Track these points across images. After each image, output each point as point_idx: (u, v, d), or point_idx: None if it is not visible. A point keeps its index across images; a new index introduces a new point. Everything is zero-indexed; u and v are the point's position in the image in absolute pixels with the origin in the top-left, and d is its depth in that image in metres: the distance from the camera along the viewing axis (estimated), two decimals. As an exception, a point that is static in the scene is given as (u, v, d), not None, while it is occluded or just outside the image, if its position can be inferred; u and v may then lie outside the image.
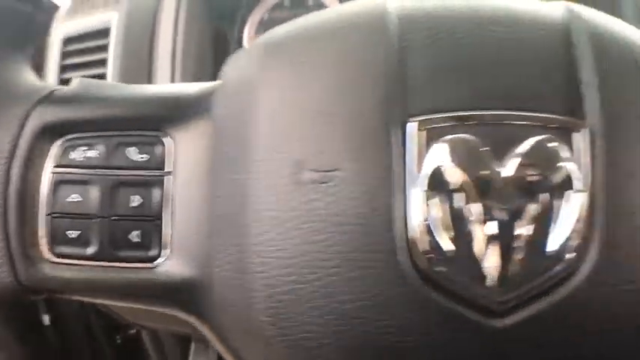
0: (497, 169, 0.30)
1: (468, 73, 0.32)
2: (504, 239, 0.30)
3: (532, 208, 0.30)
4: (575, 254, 0.30)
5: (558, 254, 0.30)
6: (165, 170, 0.35)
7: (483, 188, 0.30)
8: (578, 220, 0.30)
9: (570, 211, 0.30)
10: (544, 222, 0.30)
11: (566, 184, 0.31)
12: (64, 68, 0.74)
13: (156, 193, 0.34)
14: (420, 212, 0.30)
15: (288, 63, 0.34)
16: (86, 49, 0.73)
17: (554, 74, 0.32)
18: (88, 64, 0.72)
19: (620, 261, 0.31)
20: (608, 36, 0.34)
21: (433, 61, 0.32)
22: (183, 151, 0.35)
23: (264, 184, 0.32)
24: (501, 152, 0.30)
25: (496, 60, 0.32)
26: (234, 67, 0.37)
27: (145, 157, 0.35)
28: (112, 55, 0.69)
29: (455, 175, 0.30)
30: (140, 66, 0.69)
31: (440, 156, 0.30)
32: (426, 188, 0.30)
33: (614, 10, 0.71)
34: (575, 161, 0.31)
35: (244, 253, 0.32)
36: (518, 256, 0.30)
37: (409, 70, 0.32)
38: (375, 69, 0.32)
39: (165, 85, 0.38)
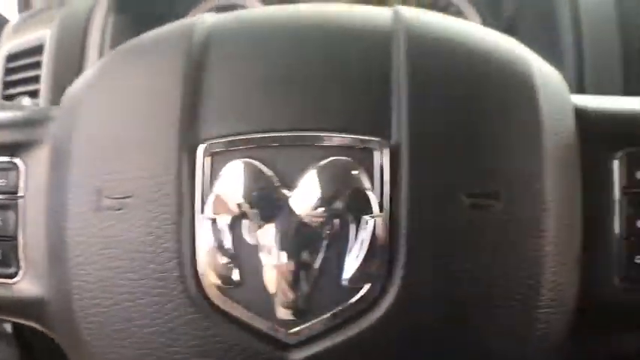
0: (286, 194, 0.29)
1: (266, 93, 0.31)
2: (293, 268, 0.29)
3: (323, 235, 0.29)
4: (372, 285, 0.29)
5: (354, 284, 0.29)
6: (19, 194, 0.36)
7: (270, 215, 0.29)
8: (374, 248, 0.29)
9: (365, 238, 0.29)
10: (337, 250, 0.29)
11: (363, 208, 0.29)
12: (7, 84, 0.76)
13: (12, 215, 0.36)
14: (207, 240, 0.29)
15: (105, 83, 0.34)
16: (24, 65, 0.74)
17: (364, 90, 0.30)
18: (27, 80, 0.73)
19: (424, 292, 0.29)
20: (433, 46, 0.32)
21: (230, 81, 0.31)
22: (33, 175, 0.36)
23: (75, 210, 0.32)
24: (291, 176, 0.29)
25: (300, 77, 0.31)
26: (73, 87, 0.37)
27: (3, 181, 0.36)
28: (44, 72, 0.70)
29: (239, 202, 0.29)
30: (71, 81, 0.69)
31: (226, 182, 0.29)
32: (212, 216, 0.29)
33: (550, 16, 0.68)
34: (374, 184, 0.29)
35: (66, 275, 0.32)
36: (308, 286, 0.29)
37: (205, 90, 0.31)
38: (171, 91, 0.31)
39: (26, 109, 0.39)
